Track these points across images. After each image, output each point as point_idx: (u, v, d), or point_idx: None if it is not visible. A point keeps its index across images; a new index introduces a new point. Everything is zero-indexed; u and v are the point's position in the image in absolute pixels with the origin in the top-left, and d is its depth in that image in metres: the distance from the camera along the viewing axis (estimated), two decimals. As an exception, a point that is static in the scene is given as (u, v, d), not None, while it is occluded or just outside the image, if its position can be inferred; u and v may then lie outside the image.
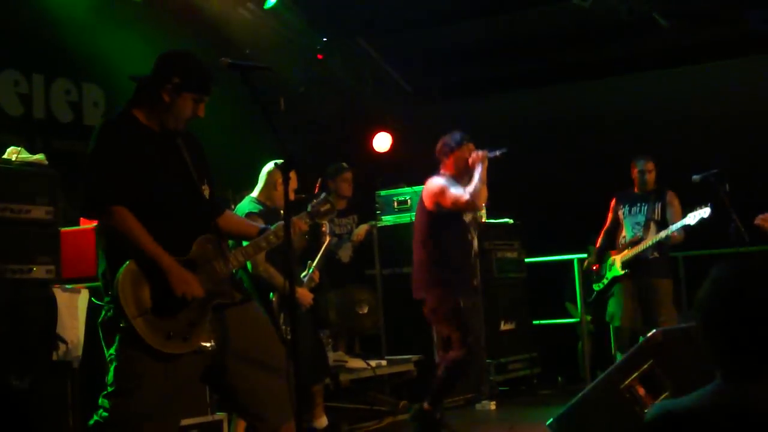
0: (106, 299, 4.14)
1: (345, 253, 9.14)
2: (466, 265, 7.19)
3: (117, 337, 4.11)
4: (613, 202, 8.87)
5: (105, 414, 4.12)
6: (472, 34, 10.74)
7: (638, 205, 8.70)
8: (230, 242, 4.88)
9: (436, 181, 7.07)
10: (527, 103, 11.60)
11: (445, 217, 7.02)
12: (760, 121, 10.33)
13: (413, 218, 9.23)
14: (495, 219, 9.81)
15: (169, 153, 4.29)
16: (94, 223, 5.88)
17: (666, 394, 5.29)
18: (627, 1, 9.09)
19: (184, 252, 4.20)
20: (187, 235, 4.25)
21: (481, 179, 6.86)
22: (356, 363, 8.58)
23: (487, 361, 9.13)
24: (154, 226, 4.10)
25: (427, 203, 7.09)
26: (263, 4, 9.64)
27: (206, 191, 4.38)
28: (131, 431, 4.10)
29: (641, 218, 8.61)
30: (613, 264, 8.66)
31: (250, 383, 4.31)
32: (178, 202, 4.26)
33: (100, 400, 4.16)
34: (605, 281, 8.71)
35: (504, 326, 9.55)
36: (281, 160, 4.37)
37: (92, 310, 5.74)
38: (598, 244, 8.92)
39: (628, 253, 8.53)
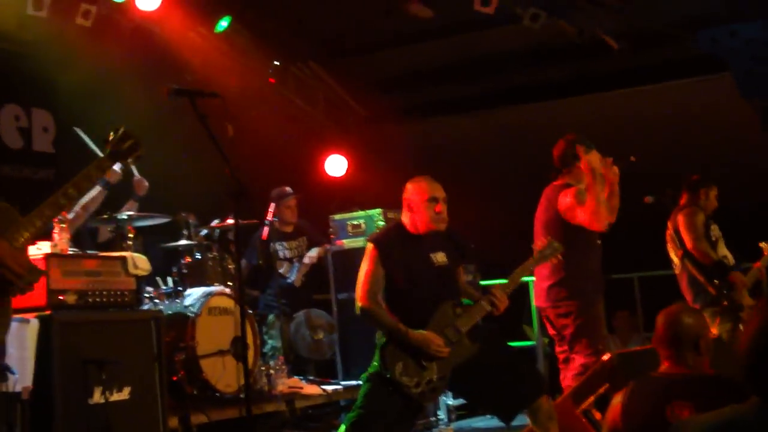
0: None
1: (297, 277, 9.09)
2: (599, 272, 7.06)
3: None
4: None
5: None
6: (424, 57, 10.76)
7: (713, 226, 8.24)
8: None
9: (567, 197, 6.94)
10: (479, 125, 11.62)
11: (575, 228, 6.86)
12: (709, 141, 10.42)
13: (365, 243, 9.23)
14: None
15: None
16: (44, 252, 5.85)
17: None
18: (577, 22, 9.12)
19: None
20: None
21: (596, 198, 6.73)
22: (312, 389, 8.51)
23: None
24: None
25: (562, 215, 6.93)
26: (214, 28, 9.58)
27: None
28: None
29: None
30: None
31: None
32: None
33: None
34: None
35: (460, 349, 9.48)
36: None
37: (41, 341, 5.66)
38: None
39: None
